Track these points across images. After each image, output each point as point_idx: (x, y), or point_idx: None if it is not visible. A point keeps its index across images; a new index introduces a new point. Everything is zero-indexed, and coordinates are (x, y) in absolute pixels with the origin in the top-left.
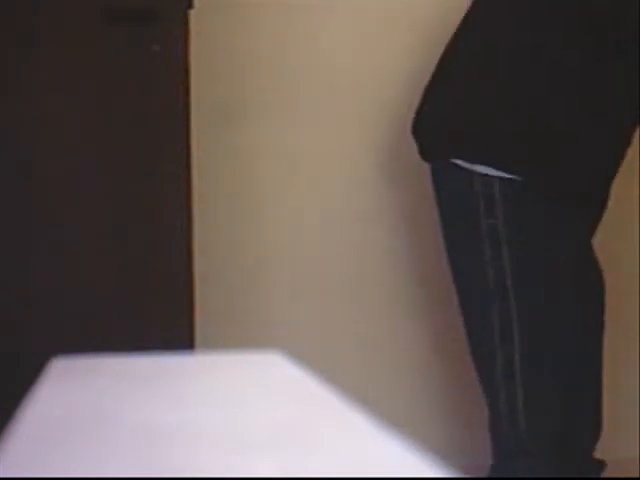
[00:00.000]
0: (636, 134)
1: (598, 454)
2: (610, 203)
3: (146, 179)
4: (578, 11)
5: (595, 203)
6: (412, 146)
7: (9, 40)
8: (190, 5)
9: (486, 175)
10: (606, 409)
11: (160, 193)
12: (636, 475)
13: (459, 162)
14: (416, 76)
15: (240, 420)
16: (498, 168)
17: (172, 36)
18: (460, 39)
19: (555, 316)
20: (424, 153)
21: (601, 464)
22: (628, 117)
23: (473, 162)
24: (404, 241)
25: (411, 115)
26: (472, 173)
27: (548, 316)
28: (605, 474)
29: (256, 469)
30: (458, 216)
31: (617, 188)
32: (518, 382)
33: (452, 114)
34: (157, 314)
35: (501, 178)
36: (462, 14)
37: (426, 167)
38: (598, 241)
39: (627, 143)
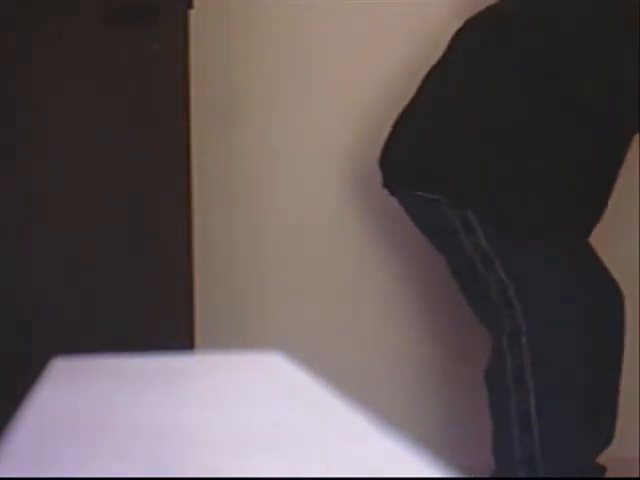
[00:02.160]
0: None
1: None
2: (610, 202)
3: (146, 179)
4: (537, 60)
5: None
6: None
7: (9, 40)
8: (190, 5)
9: None
10: None
11: (160, 193)
12: (636, 475)
13: (420, 193)
14: (415, 77)
15: (240, 420)
16: (450, 200)
17: (172, 36)
18: (430, 76)
19: (562, 318)
20: (387, 185)
21: (602, 469)
22: (581, 163)
23: (431, 193)
24: (403, 241)
25: None
26: (436, 199)
27: (556, 318)
28: (605, 474)
29: (256, 469)
30: (440, 239)
31: (618, 187)
32: (530, 388)
33: (411, 147)
34: (157, 314)
35: None
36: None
37: None
38: (597, 241)
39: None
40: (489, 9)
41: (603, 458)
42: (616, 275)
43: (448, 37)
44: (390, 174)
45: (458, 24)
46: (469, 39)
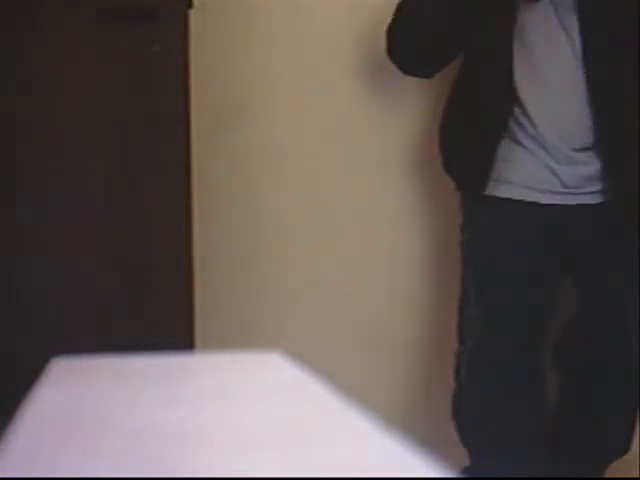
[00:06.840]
0: None
1: None
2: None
3: (146, 179)
4: None
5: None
6: (410, 146)
7: (9, 40)
8: (190, 5)
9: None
10: None
11: (160, 193)
12: (636, 475)
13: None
14: (415, 78)
15: (240, 420)
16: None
17: (172, 36)
18: None
19: (503, 318)
20: None
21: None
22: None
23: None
24: (404, 240)
25: (411, 115)
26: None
27: (497, 319)
28: (605, 474)
29: (256, 469)
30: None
31: None
32: (462, 382)
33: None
34: (157, 314)
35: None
36: None
37: (423, 166)
38: None
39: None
40: None
41: None
42: None
43: None
44: None
45: None
46: None
